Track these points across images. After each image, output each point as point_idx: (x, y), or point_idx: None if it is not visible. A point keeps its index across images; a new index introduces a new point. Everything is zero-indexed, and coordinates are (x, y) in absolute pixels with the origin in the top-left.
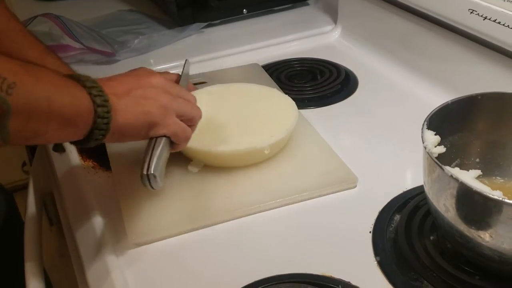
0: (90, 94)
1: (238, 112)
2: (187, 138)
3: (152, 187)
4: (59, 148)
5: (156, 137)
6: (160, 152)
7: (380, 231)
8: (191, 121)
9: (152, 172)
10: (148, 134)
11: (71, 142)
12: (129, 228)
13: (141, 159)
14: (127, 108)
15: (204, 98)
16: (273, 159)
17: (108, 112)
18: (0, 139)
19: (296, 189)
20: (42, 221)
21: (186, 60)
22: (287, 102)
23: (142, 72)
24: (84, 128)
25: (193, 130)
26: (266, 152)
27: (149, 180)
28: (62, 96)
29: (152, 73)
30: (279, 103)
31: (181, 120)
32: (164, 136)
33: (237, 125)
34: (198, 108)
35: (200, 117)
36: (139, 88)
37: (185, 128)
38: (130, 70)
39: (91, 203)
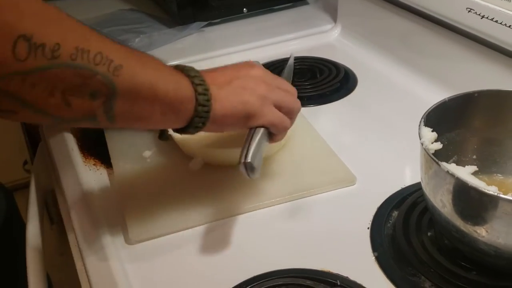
0: (192, 83)
1: None
2: (286, 129)
3: (249, 176)
4: (164, 136)
5: (255, 127)
6: (258, 141)
7: (378, 227)
8: (290, 113)
9: (249, 160)
10: (247, 124)
11: (174, 130)
12: (130, 225)
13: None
14: (226, 98)
15: None
16: (272, 158)
17: (208, 100)
18: (106, 119)
19: (295, 187)
20: (43, 220)
21: (291, 54)
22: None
23: (243, 64)
24: (185, 115)
25: (292, 122)
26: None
27: (246, 168)
28: (166, 82)
29: (253, 65)
30: None
31: (280, 111)
32: (263, 126)
33: None
34: (298, 100)
35: (299, 109)
36: (239, 78)
37: (283, 118)
38: (233, 64)
39: (92, 201)
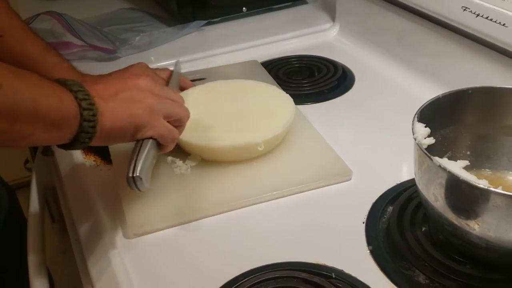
0: (76, 98)
1: (236, 107)
2: (174, 140)
3: (138, 189)
4: (48, 152)
5: (143, 139)
6: (147, 154)
7: (373, 221)
8: (178, 122)
9: (137, 174)
10: (135, 136)
11: (58, 146)
12: (129, 219)
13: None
14: (113, 111)
15: (202, 93)
16: (270, 153)
17: (94, 115)
18: None
19: (292, 182)
20: (44, 218)
21: (177, 60)
22: (284, 98)
23: (130, 73)
24: (70, 131)
25: (180, 131)
26: (260, 148)
27: (134, 182)
28: (48, 99)
29: (139, 75)
30: (276, 99)
31: (169, 121)
32: (151, 138)
33: (235, 120)
34: (186, 109)
35: (188, 117)
36: (126, 90)
37: (171, 129)
38: (121, 69)
39: (93, 198)
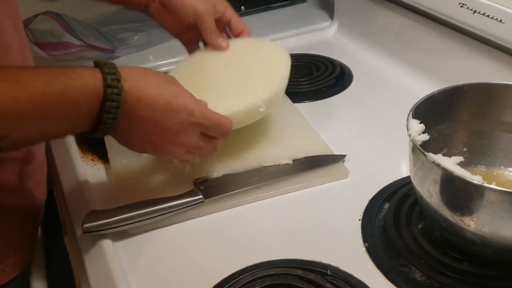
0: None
1: (230, 71)
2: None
3: None
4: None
5: None
6: None
7: (369, 218)
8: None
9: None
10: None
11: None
12: None
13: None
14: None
15: (196, 59)
16: (266, 151)
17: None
18: None
19: (288, 180)
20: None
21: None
22: (277, 52)
23: (183, 127)
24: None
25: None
26: (261, 109)
27: None
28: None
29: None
30: (270, 54)
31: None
32: None
33: (230, 85)
34: (212, 148)
35: (211, 152)
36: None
37: (191, 157)
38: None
39: (90, 196)
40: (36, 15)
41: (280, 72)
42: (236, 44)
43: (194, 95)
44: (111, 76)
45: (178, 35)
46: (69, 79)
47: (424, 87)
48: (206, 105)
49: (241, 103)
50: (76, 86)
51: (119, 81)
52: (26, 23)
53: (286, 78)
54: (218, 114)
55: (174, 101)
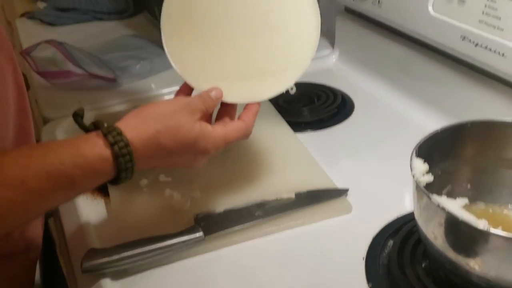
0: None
1: (243, 34)
2: None
3: None
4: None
5: None
6: None
7: (373, 257)
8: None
9: None
10: None
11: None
12: None
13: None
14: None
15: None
16: (268, 184)
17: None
18: None
19: (290, 215)
20: None
21: None
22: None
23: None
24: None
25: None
26: (292, 91)
27: None
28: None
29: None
30: (291, 10)
31: None
32: None
33: (246, 58)
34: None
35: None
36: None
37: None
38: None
39: (89, 230)
40: (38, 44)
41: (309, 41)
42: None
43: (201, 59)
44: (118, 145)
45: None
46: (80, 170)
47: (426, 118)
48: (219, 97)
49: (262, 91)
50: (87, 174)
51: (127, 145)
52: (29, 51)
53: (316, 46)
54: (236, 130)
55: (180, 150)
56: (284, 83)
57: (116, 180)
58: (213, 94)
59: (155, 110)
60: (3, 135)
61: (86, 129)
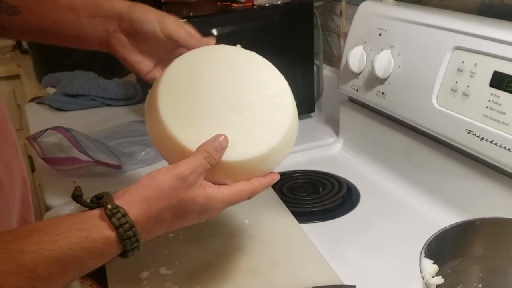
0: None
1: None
2: None
3: None
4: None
5: None
6: None
7: None
8: None
9: None
10: None
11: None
12: None
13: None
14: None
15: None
16: (272, 278)
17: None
18: None
19: None
20: None
21: None
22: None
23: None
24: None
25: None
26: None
27: None
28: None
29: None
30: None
31: None
32: None
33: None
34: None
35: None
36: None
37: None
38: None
39: None
40: (45, 130)
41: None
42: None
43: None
44: (123, 228)
45: (147, 70)
46: (88, 253)
47: (433, 209)
48: (224, 147)
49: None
50: (95, 256)
51: (132, 227)
52: (35, 136)
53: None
54: (241, 192)
55: (185, 220)
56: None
57: (122, 256)
58: (216, 144)
59: (155, 187)
60: (8, 227)
61: (90, 207)
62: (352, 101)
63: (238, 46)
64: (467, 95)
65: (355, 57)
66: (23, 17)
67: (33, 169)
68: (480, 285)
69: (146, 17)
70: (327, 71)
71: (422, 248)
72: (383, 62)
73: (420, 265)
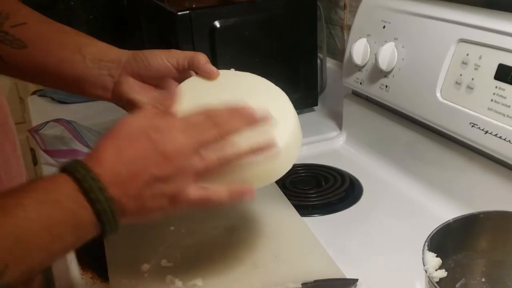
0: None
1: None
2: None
3: None
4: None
5: None
6: None
7: None
8: None
9: None
10: None
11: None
12: None
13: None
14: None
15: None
16: (274, 272)
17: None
18: None
19: None
20: None
21: None
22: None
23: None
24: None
25: None
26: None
27: None
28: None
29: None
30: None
31: None
32: None
33: None
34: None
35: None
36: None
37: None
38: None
39: None
40: (47, 122)
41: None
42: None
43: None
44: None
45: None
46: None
47: (436, 203)
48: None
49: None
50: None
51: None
52: (37, 129)
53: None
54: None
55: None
56: None
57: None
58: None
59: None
60: None
61: None
62: (356, 94)
63: (232, 69)
64: (472, 88)
65: (358, 50)
66: (27, 52)
67: (35, 162)
68: (483, 279)
69: (152, 54)
70: (330, 64)
71: (425, 241)
72: (387, 55)
73: (423, 258)
